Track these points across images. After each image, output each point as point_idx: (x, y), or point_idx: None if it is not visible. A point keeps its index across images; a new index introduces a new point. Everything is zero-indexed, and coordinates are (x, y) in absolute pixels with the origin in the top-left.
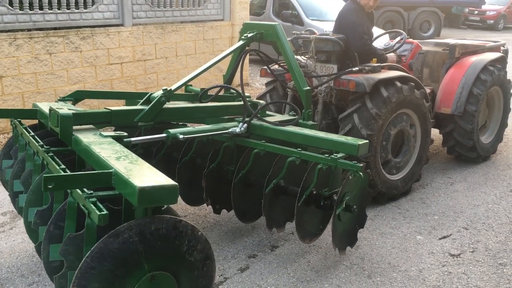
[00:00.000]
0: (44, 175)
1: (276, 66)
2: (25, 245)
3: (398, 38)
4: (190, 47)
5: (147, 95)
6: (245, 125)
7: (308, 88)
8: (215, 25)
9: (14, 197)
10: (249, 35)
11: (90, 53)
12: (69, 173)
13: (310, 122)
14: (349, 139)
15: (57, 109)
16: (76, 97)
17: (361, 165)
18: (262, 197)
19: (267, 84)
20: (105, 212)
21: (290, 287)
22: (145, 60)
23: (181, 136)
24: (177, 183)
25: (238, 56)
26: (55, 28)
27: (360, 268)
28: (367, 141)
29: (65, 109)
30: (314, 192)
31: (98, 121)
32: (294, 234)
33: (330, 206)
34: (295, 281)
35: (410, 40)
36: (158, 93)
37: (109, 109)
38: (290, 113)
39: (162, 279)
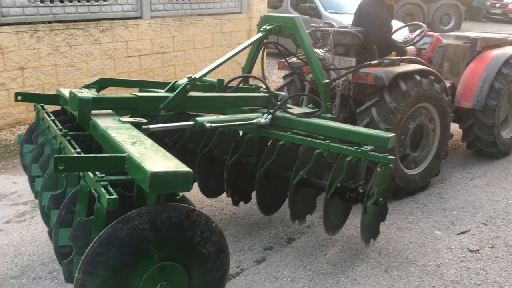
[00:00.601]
0: (55, 155)
1: (294, 59)
2: (45, 234)
3: (418, 31)
4: (208, 40)
5: (172, 83)
6: (270, 116)
7: (327, 81)
8: (233, 18)
9: (31, 181)
10: (268, 27)
11: (109, 45)
12: (81, 155)
13: (329, 115)
14: (378, 132)
15: (76, 93)
16: (100, 84)
17: (393, 158)
18: (284, 189)
19: (284, 77)
20: (115, 196)
21: (307, 279)
22: (163, 53)
23: (208, 124)
24: (191, 170)
25: (256, 48)
26: (74, 21)
27: (377, 262)
28: (394, 134)
29: (85, 93)
30: (339, 184)
31: (122, 106)
32: (311, 227)
33: (355, 198)
34: (311, 273)
35: (431, 33)
36: (183, 81)
37: (135, 94)
38: (309, 105)
39: (172, 270)
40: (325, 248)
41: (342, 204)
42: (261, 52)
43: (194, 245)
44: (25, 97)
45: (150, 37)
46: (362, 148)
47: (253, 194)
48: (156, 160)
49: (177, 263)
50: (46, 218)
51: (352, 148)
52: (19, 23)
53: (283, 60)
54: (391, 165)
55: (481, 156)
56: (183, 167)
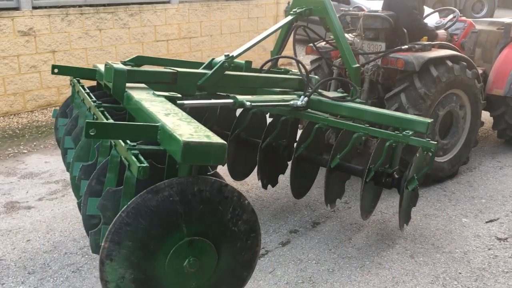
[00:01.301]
0: (87, 120)
1: (322, 44)
2: (77, 212)
3: (451, 16)
4: (235, 25)
5: (209, 60)
6: (306, 98)
7: (358, 65)
8: (260, 3)
9: (64, 153)
10: (298, 10)
11: (137, 29)
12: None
13: (358, 100)
14: (417, 117)
15: (112, 64)
16: (136, 62)
17: (435, 143)
18: (314, 172)
19: (312, 62)
20: (145, 164)
21: (331, 262)
22: (191, 38)
23: (248, 103)
24: (225, 142)
25: (286, 31)
26: (104, 5)
27: (403, 247)
28: (433, 119)
29: (121, 65)
30: (380, 169)
31: (158, 80)
32: (336, 211)
33: (391, 183)
34: (336, 257)
35: (463, 18)
36: (221, 58)
37: (174, 69)
38: (338, 90)
39: (201, 246)
40: (350, 233)
41: (375, 189)
42: (291, 35)
43: (225, 222)
44: (62, 70)
45: (178, 21)
46: (404, 133)
47: (279, 178)
48: (190, 131)
49: (206, 239)
50: (76, 189)
51: (393, 133)
52: (51, 7)
53: (311, 44)
54: (433, 150)
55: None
56: (217, 139)
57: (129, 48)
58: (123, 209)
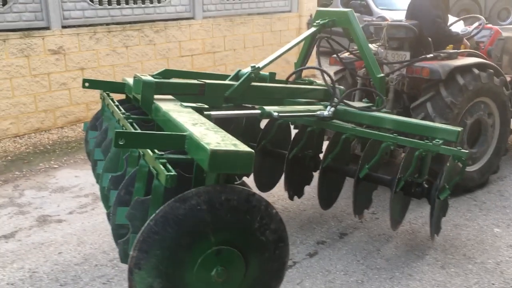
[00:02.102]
0: (116, 130)
1: (346, 55)
2: (106, 224)
3: (476, 24)
4: (258, 39)
5: (235, 72)
6: (333, 108)
7: (382, 75)
8: (283, 16)
9: (94, 165)
10: (321, 22)
11: (163, 45)
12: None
13: (385, 110)
14: (446, 126)
15: (141, 76)
16: (164, 75)
17: (467, 151)
18: (340, 183)
19: (336, 73)
20: (173, 172)
21: (360, 273)
22: (214, 52)
23: (275, 114)
24: (253, 151)
25: (309, 43)
26: (130, 22)
27: (433, 258)
28: (462, 128)
29: (149, 77)
30: (409, 179)
31: (185, 92)
32: (363, 222)
33: (421, 193)
34: (364, 268)
35: (489, 25)
36: (247, 70)
37: (202, 81)
38: (364, 100)
39: (229, 255)
40: (379, 244)
41: (404, 199)
42: (315, 46)
43: (253, 231)
44: (92, 84)
45: (202, 37)
46: (434, 142)
47: (305, 189)
48: (217, 139)
49: (234, 248)
50: (105, 199)
51: (423, 142)
52: (79, 26)
53: (335, 55)
54: (464, 159)
55: None
56: (244, 147)
57: (154, 64)
58: (151, 217)
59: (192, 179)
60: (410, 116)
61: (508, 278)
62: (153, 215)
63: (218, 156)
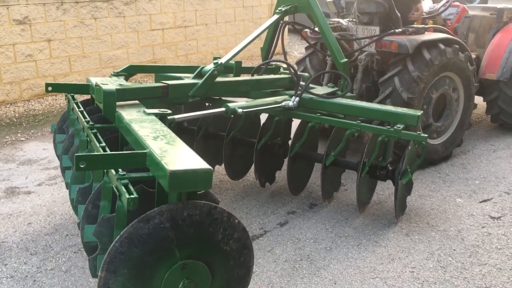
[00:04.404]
0: (76, 154)
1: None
2: None
3: (444, 1)
4: (230, 14)
5: (198, 69)
6: (297, 98)
7: (346, 60)
8: None
9: (63, 172)
10: (283, 8)
11: (133, 18)
12: (102, 152)
13: (349, 94)
14: (407, 110)
15: (101, 85)
16: (129, 72)
17: (426, 136)
18: (309, 168)
19: (306, 48)
20: (134, 195)
21: (328, 241)
22: (186, 27)
23: (239, 110)
24: (211, 168)
25: (273, 30)
26: None
27: (398, 226)
28: (422, 111)
29: (110, 85)
30: (374, 162)
31: (148, 95)
32: (333, 193)
33: (385, 175)
34: (333, 236)
35: (456, 3)
36: (210, 67)
37: (165, 83)
38: (329, 84)
39: (194, 268)
40: (347, 213)
41: (370, 181)
42: (281, 33)
43: (217, 242)
44: (56, 88)
45: (173, 10)
46: (395, 127)
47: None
48: (177, 157)
49: (199, 261)
50: (75, 210)
51: (385, 128)
52: None
53: (307, 29)
54: (424, 143)
55: (505, 129)
56: (203, 165)
57: (124, 37)
58: (116, 238)
59: (155, 196)
60: (378, 91)
61: (468, 245)
62: (118, 236)
63: (177, 176)
